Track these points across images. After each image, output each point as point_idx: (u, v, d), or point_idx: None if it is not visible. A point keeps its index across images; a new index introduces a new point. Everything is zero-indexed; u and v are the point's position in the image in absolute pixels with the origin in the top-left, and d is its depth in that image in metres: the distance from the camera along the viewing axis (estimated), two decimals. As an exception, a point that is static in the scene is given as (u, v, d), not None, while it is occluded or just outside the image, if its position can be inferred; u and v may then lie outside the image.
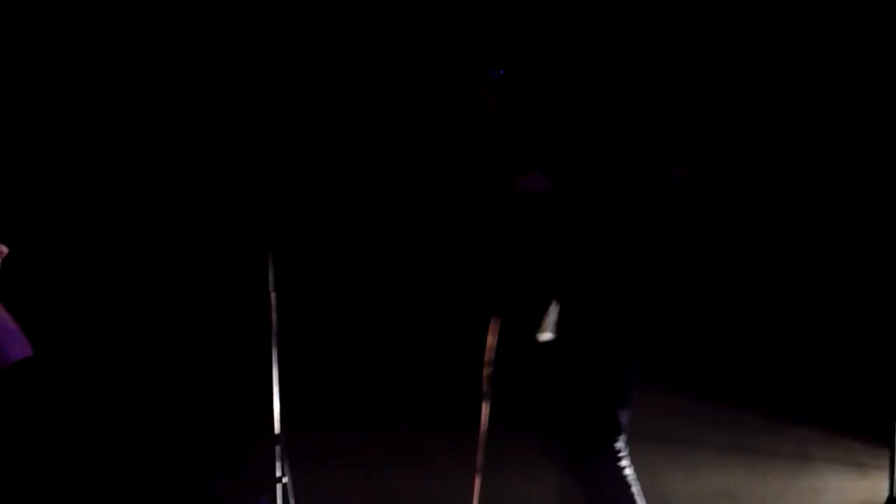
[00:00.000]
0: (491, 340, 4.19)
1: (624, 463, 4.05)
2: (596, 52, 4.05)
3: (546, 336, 4.10)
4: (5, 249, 3.79)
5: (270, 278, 4.36)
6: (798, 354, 5.52)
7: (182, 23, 5.37)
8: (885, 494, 4.71)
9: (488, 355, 4.19)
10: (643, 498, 4.07)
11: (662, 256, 4.09)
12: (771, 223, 5.49)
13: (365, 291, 5.50)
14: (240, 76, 5.28)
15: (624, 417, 4.04)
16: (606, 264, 4.02)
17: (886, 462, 4.67)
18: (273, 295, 4.35)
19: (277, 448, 4.35)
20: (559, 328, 4.07)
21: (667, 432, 5.43)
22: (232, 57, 5.32)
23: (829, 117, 5.40)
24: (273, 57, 5.26)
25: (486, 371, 4.19)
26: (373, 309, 5.48)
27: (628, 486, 4.06)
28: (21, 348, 3.74)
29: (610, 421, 4.02)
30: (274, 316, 4.33)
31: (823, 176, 5.46)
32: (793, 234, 5.51)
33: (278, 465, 4.36)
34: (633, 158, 4.00)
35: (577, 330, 4.05)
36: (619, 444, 4.04)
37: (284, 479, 4.38)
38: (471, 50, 4.40)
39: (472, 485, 4.21)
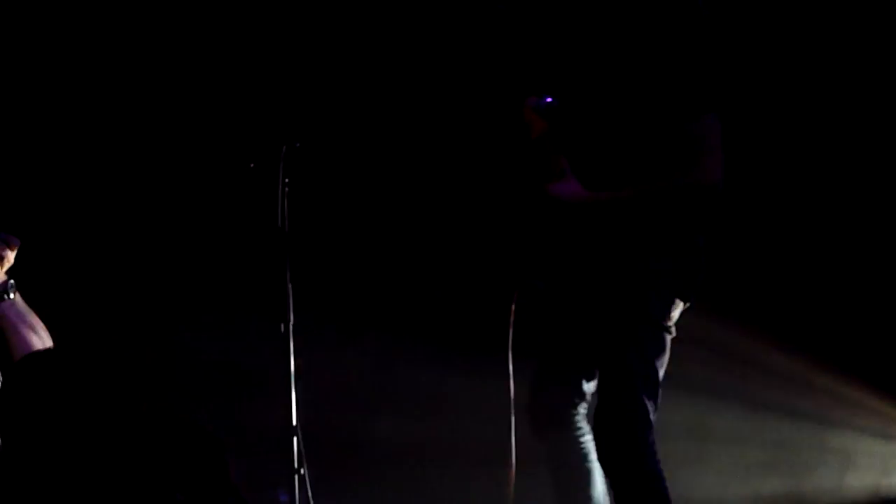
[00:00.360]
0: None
1: (654, 458, 4.08)
2: (628, 53, 4.08)
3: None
4: (17, 242, 3.80)
5: (287, 268, 4.37)
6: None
7: (209, 23, 5.39)
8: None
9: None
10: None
11: (694, 257, 4.10)
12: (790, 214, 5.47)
13: (383, 282, 5.50)
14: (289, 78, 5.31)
15: (654, 410, 4.07)
16: (638, 268, 4.04)
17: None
18: (290, 286, 4.35)
19: (295, 439, 4.35)
20: (590, 329, 4.10)
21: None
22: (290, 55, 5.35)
23: (830, 117, 5.40)
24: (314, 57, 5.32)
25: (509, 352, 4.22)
26: (390, 294, 5.47)
27: (661, 479, 4.09)
28: (42, 340, 3.76)
29: (643, 415, 4.04)
30: (291, 306, 4.33)
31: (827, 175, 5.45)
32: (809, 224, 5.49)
33: (296, 456, 4.36)
34: (666, 163, 4.01)
35: (609, 328, 4.08)
36: (652, 437, 4.06)
37: (302, 471, 4.38)
38: (512, 70, 4.43)
39: (508, 479, 4.22)
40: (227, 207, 5.40)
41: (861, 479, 5.41)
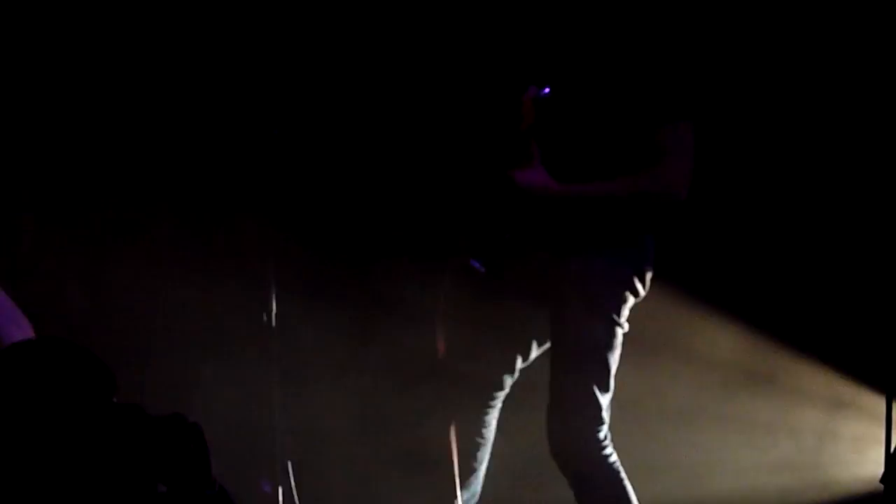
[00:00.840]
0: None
1: (609, 451, 4.12)
2: (609, 54, 4.09)
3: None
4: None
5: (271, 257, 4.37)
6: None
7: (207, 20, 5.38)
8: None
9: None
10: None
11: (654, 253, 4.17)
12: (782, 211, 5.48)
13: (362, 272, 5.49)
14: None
15: (607, 407, 4.12)
16: (592, 264, 4.08)
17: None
18: (273, 276, 4.36)
19: (278, 430, 4.35)
20: (553, 324, 4.13)
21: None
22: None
23: (829, 116, 5.41)
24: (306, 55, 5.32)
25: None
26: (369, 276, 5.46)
27: (617, 472, 4.13)
28: (21, 331, 3.75)
29: (596, 411, 4.09)
30: (274, 296, 4.34)
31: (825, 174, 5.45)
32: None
33: (279, 447, 4.37)
34: (635, 164, 4.03)
35: (564, 324, 4.12)
36: (603, 433, 4.10)
37: (286, 462, 4.39)
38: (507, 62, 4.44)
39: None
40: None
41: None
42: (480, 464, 4.33)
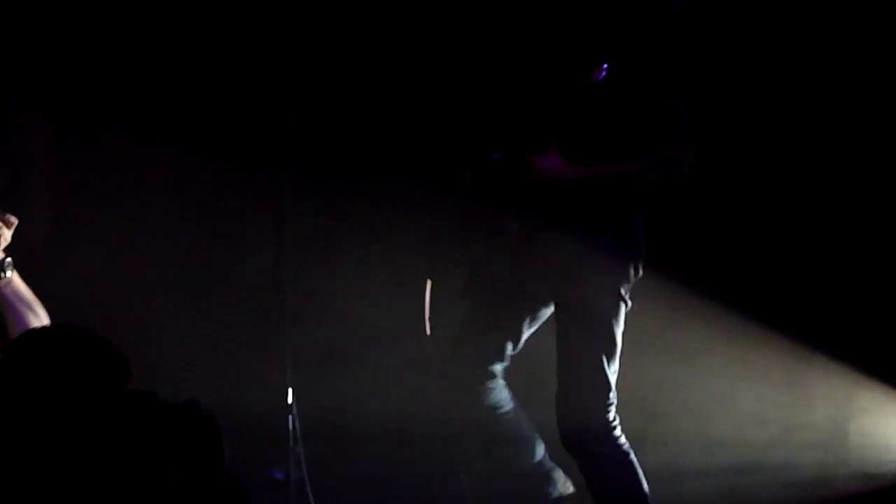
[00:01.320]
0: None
1: (618, 432, 4.14)
2: (612, 38, 4.12)
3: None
4: (14, 220, 3.81)
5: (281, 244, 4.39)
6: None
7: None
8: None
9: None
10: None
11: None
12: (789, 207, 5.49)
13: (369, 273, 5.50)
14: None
15: (614, 383, 4.15)
16: (597, 243, 4.12)
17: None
18: (286, 260, 4.37)
19: (290, 417, 4.37)
20: (558, 306, 4.16)
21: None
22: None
23: (829, 115, 5.41)
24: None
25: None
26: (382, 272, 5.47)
27: (626, 454, 4.16)
28: (38, 318, 3.77)
29: (606, 388, 4.12)
30: (285, 281, 4.35)
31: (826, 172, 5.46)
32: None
33: (291, 434, 4.39)
34: (641, 143, 4.07)
35: (572, 303, 4.14)
36: (612, 414, 4.12)
37: (297, 449, 4.40)
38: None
39: None
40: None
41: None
42: (517, 428, 4.34)
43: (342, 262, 5.43)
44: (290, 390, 4.41)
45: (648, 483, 4.20)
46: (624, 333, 4.16)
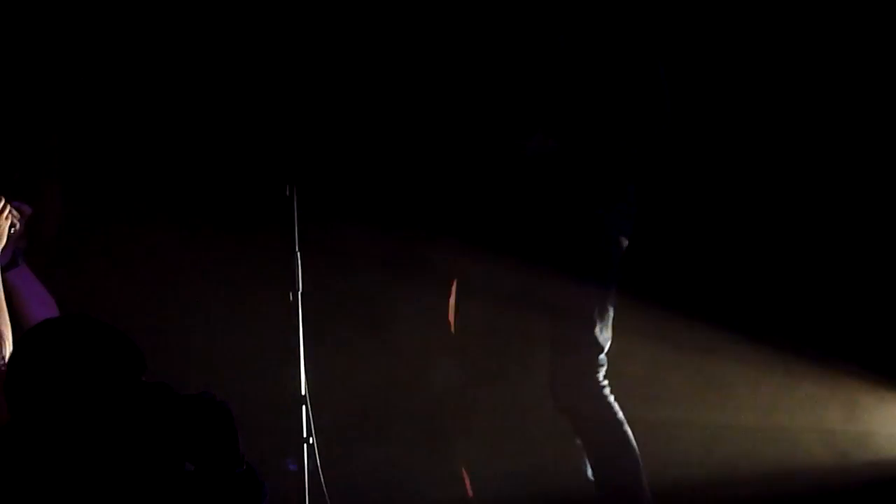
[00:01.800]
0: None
1: (608, 391, 4.28)
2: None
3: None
4: (29, 210, 3.81)
5: (296, 238, 4.38)
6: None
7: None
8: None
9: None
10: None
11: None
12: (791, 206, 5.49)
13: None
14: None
15: (605, 349, 4.27)
16: (590, 214, 4.25)
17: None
18: (298, 255, 4.37)
19: (304, 409, 4.36)
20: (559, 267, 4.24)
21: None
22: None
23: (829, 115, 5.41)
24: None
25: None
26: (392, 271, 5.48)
27: (615, 413, 4.23)
28: (49, 309, 3.77)
29: (598, 354, 4.26)
30: (300, 274, 4.35)
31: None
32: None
33: (305, 425, 4.37)
34: (614, 107, 4.19)
35: (572, 275, 4.24)
36: (602, 374, 4.26)
37: (311, 440, 4.39)
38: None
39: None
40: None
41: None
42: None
43: (352, 250, 5.44)
44: (303, 382, 4.39)
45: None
46: (615, 306, 4.27)
